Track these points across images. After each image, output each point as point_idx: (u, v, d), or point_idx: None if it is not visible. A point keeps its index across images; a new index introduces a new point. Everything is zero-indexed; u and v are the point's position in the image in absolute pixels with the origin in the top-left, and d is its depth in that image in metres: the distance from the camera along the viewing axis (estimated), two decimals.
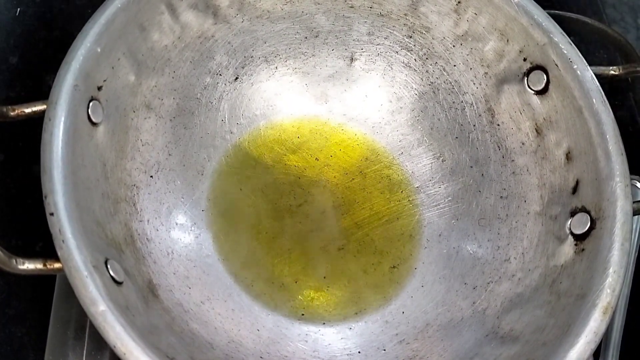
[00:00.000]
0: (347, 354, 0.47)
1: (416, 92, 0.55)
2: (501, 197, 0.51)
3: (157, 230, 0.47)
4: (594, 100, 0.46)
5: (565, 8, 0.59)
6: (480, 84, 0.53)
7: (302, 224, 0.51)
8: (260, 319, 0.47)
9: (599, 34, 0.58)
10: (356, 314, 0.49)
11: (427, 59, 0.54)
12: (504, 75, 0.51)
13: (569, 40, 0.48)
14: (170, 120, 0.50)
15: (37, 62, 0.53)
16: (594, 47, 0.60)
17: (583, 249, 0.44)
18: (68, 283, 0.36)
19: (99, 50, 0.43)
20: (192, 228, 0.49)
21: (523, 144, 0.51)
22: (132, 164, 0.47)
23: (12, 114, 0.41)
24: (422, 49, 0.54)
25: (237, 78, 0.54)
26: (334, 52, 0.55)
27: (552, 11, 0.52)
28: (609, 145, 0.45)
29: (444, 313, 0.48)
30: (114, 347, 0.36)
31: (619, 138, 0.45)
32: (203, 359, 0.42)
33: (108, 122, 0.44)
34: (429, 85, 0.55)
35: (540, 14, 0.49)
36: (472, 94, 0.53)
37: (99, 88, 0.43)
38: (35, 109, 0.41)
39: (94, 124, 0.43)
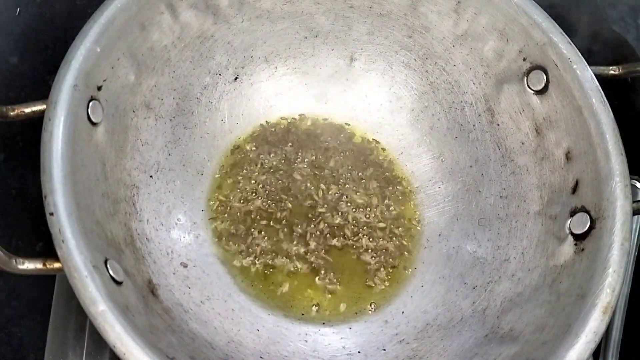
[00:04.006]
0: (347, 354, 0.47)
1: (416, 92, 0.55)
2: (501, 197, 0.51)
3: (157, 230, 0.47)
4: (593, 100, 0.46)
5: (566, 8, 0.59)
6: (480, 84, 0.53)
7: (301, 224, 0.51)
8: (260, 319, 0.47)
9: (599, 34, 0.57)
10: (356, 313, 0.49)
11: (426, 58, 0.54)
12: (504, 75, 0.51)
13: (569, 40, 0.48)
14: (170, 120, 0.50)
15: (37, 62, 0.53)
16: (594, 47, 0.60)
17: (583, 249, 0.44)
18: (68, 283, 0.37)
19: (98, 50, 0.43)
20: (192, 228, 0.49)
21: (523, 143, 0.51)
22: (131, 163, 0.47)
23: (12, 114, 0.41)
24: (421, 49, 0.54)
25: (237, 78, 0.54)
26: (334, 52, 0.55)
27: (552, 11, 0.52)
28: (609, 145, 0.45)
29: (444, 313, 0.48)
30: (114, 347, 0.36)
31: (619, 138, 0.45)
32: (203, 358, 0.42)
33: (108, 122, 0.44)
34: (429, 85, 0.55)
35: (540, 14, 0.49)
36: (472, 94, 0.53)
37: (99, 88, 0.43)
38: (35, 109, 0.41)
39: (93, 123, 0.43)
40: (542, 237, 0.48)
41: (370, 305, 0.49)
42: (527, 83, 0.50)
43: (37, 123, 0.40)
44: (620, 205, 0.43)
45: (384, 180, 0.54)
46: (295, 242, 0.50)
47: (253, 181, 0.52)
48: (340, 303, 0.49)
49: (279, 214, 0.51)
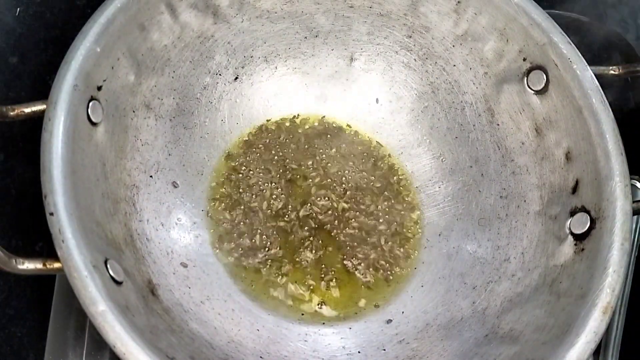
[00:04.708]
0: (347, 354, 0.47)
1: (416, 92, 0.55)
2: (501, 196, 0.51)
3: (157, 230, 0.47)
4: (593, 100, 0.46)
5: (565, 8, 0.59)
6: (479, 84, 0.53)
7: (301, 224, 0.51)
8: (260, 319, 0.47)
9: (599, 34, 0.58)
10: (356, 313, 0.49)
11: (426, 58, 0.54)
12: (504, 75, 0.51)
13: (569, 40, 0.48)
14: (170, 120, 0.50)
15: (37, 62, 0.53)
16: (594, 47, 0.60)
17: (583, 249, 0.44)
18: (68, 283, 0.37)
19: (98, 50, 0.43)
20: (192, 228, 0.49)
21: (523, 143, 0.51)
22: (131, 163, 0.47)
23: (12, 114, 0.41)
24: (421, 49, 0.54)
25: (237, 78, 0.54)
26: (334, 52, 0.55)
27: (552, 11, 0.52)
28: (609, 145, 0.45)
29: (444, 313, 0.48)
30: (114, 347, 0.36)
31: (619, 138, 0.45)
32: (203, 359, 0.42)
33: (108, 122, 0.44)
34: (429, 85, 0.55)
35: (540, 14, 0.49)
36: (472, 94, 0.53)
37: (99, 88, 0.43)
38: (35, 109, 0.41)
39: (93, 123, 0.43)
40: (542, 237, 0.48)
41: (371, 305, 0.49)
42: (527, 83, 0.50)
43: (37, 123, 0.40)
44: (620, 205, 0.43)
45: (384, 180, 0.54)
46: (295, 243, 0.50)
47: (253, 182, 0.52)
48: (340, 303, 0.49)
49: (278, 215, 0.51)
